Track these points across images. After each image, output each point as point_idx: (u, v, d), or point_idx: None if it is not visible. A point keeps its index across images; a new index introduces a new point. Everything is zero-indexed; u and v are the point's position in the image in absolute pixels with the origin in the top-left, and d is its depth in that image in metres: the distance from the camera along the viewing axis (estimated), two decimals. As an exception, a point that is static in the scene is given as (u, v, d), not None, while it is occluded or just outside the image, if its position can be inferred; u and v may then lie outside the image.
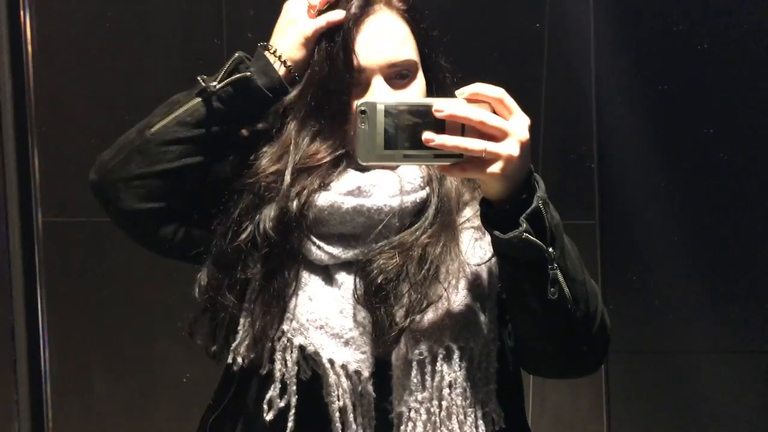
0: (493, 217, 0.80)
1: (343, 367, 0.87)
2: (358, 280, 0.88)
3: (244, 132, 0.95)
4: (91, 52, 1.74)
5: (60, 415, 1.83)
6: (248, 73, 0.90)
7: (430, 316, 0.87)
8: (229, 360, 0.91)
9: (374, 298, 0.87)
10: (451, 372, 0.86)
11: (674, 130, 1.65)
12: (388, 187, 0.90)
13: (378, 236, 0.89)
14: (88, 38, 1.74)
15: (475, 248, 0.90)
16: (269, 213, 0.90)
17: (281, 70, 0.92)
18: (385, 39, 0.90)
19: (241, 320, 0.90)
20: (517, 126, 0.77)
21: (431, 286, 0.87)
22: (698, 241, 1.66)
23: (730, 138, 1.63)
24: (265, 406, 0.88)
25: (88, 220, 1.77)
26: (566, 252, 0.83)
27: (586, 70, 1.66)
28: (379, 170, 0.91)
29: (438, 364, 0.86)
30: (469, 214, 0.92)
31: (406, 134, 0.78)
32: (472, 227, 0.91)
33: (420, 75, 0.92)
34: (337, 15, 0.92)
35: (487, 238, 0.88)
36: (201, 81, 0.91)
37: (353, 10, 0.90)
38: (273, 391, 0.88)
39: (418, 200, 0.90)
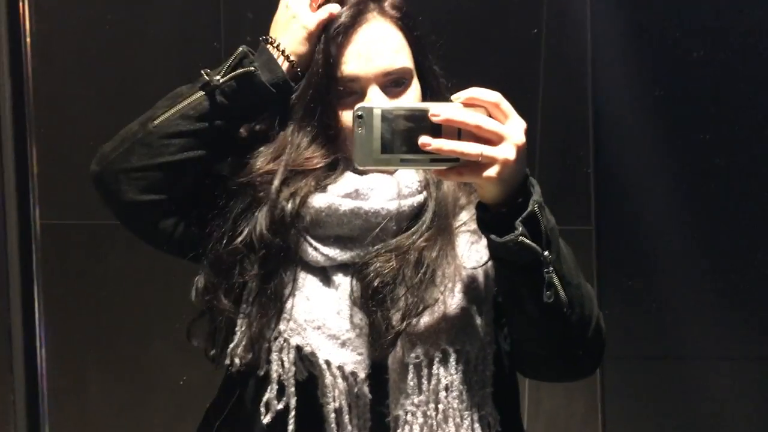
0: (489, 221, 0.81)
1: (340, 368, 0.87)
2: (354, 282, 0.89)
3: (243, 132, 0.96)
4: (90, 54, 1.74)
5: (56, 417, 1.83)
6: (252, 68, 0.90)
7: (426, 319, 0.87)
8: (227, 362, 0.91)
9: (371, 301, 0.88)
10: (448, 375, 0.87)
11: (671, 136, 1.65)
12: (386, 190, 0.90)
13: (375, 239, 0.89)
14: (87, 41, 1.74)
15: (471, 252, 0.90)
16: (264, 215, 0.90)
17: (284, 66, 0.92)
18: (379, 48, 0.90)
19: (239, 322, 0.90)
20: (513, 130, 0.78)
21: (427, 290, 0.87)
22: (695, 246, 1.66)
23: (726, 144, 1.64)
24: (263, 409, 0.88)
25: (85, 223, 1.78)
26: (562, 255, 0.83)
27: (583, 76, 1.67)
28: (377, 173, 0.91)
29: (434, 367, 0.87)
30: (466, 218, 0.92)
31: (403, 139, 0.78)
32: (468, 231, 0.91)
33: (415, 82, 0.93)
34: (338, 8, 0.92)
35: (483, 241, 0.89)
36: (205, 74, 0.91)
37: (345, 19, 0.90)
38: (270, 393, 0.88)
39: (415, 204, 0.91)
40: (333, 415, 0.87)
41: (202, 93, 0.91)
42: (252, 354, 0.89)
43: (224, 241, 0.92)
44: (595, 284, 1.68)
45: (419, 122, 0.78)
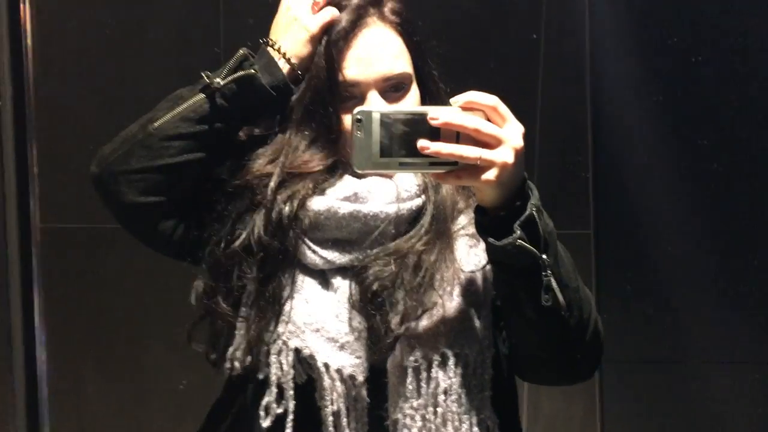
0: (488, 225, 0.81)
1: (338, 371, 0.87)
2: (353, 286, 0.89)
3: (242, 135, 0.96)
4: (91, 59, 1.75)
5: (56, 420, 1.83)
6: (252, 71, 0.90)
7: (425, 322, 0.87)
8: (227, 366, 0.91)
9: (369, 305, 0.88)
10: (447, 379, 0.87)
11: (670, 140, 1.66)
12: (385, 194, 0.91)
13: (373, 242, 0.89)
14: (88, 46, 1.75)
15: (470, 255, 0.91)
16: (262, 218, 0.90)
17: (285, 68, 0.92)
18: (379, 53, 0.90)
19: (238, 325, 0.91)
20: (511, 133, 0.78)
21: (426, 293, 0.87)
22: (693, 250, 1.67)
23: (725, 148, 1.64)
24: (262, 412, 0.88)
25: (85, 226, 1.78)
26: (560, 259, 0.83)
27: (582, 79, 1.67)
28: (376, 177, 0.91)
29: (433, 370, 0.87)
30: (464, 222, 0.92)
31: (402, 142, 0.79)
32: (466, 235, 0.91)
33: (414, 87, 0.93)
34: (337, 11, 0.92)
35: (482, 245, 0.89)
36: (205, 77, 0.91)
37: (346, 24, 0.90)
38: (269, 396, 0.88)
39: (414, 208, 0.91)
40: (331, 418, 0.87)
41: (202, 95, 0.91)
42: (251, 357, 0.89)
43: (222, 245, 0.92)
44: (593, 288, 1.69)
45: (418, 126, 0.78)
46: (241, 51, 0.92)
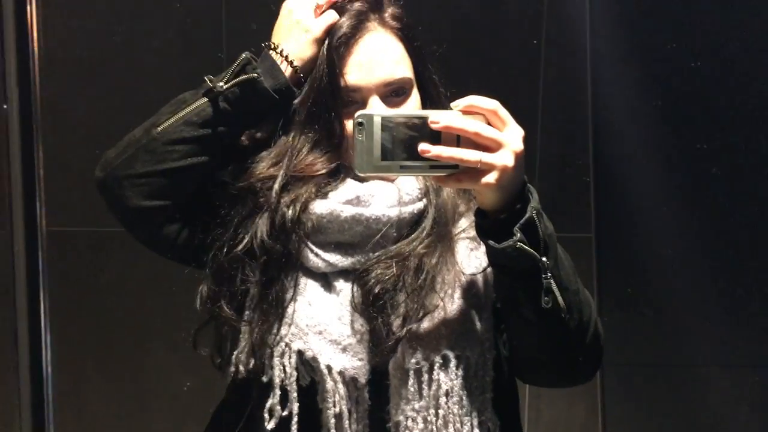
0: (488, 228, 0.81)
1: (341, 373, 0.88)
2: (355, 288, 0.89)
3: (245, 140, 0.96)
4: (96, 63, 1.76)
5: (60, 421, 1.84)
6: (255, 75, 0.91)
7: (426, 325, 0.88)
8: (232, 369, 0.91)
9: (371, 308, 0.88)
10: (448, 380, 0.87)
11: (670, 144, 1.66)
12: (387, 197, 0.91)
13: (375, 245, 0.90)
14: (93, 50, 1.75)
15: (471, 258, 0.91)
16: (265, 222, 0.91)
17: (288, 71, 0.93)
18: (380, 59, 0.91)
19: (242, 328, 0.91)
20: (511, 137, 0.79)
21: (428, 296, 0.88)
22: (694, 254, 1.67)
23: (725, 152, 1.65)
24: (266, 415, 0.88)
25: (91, 230, 1.79)
26: (560, 261, 0.84)
27: (583, 84, 1.68)
28: (377, 181, 0.92)
29: (435, 372, 0.87)
30: (465, 225, 0.93)
31: (403, 146, 0.79)
32: (467, 238, 0.92)
33: (415, 92, 0.94)
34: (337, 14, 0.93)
35: (483, 248, 0.89)
36: (208, 81, 0.92)
37: (347, 29, 0.91)
38: (273, 399, 0.88)
39: (415, 211, 0.92)
40: (333, 420, 0.88)
41: (205, 99, 0.92)
42: (255, 360, 0.90)
43: (225, 249, 0.92)
44: (594, 292, 1.69)
45: (419, 129, 0.79)
46: (243, 55, 0.93)
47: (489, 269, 0.90)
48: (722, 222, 1.66)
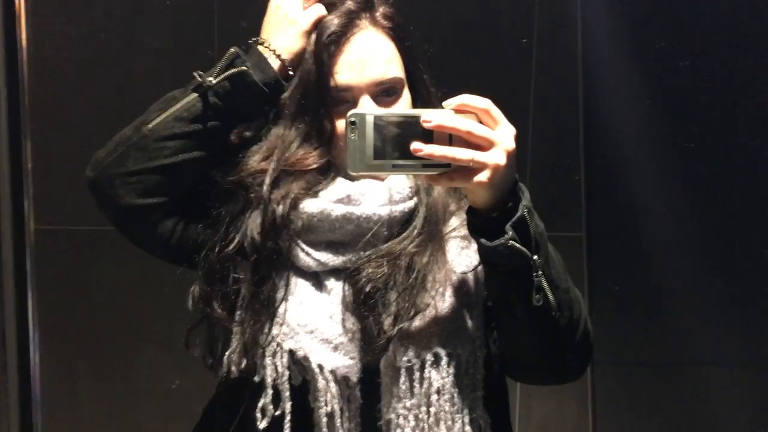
0: (480, 226, 0.82)
1: (332, 372, 0.88)
2: (347, 287, 0.89)
3: (234, 138, 0.96)
4: (85, 61, 1.75)
5: (49, 421, 1.83)
6: (244, 68, 0.91)
7: (417, 323, 0.88)
8: (224, 369, 0.91)
9: (363, 307, 0.88)
10: (439, 378, 0.87)
11: (661, 143, 1.67)
12: (378, 196, 0.91)
13: (366, 244, 0.90)
14: (82, 47, 1.74)
15: (462, 256, 0.91)
16: (255, 219, 0.91)
17: (276, 65, 0.93)
18: (371, 58, 0.91)
19: (234, 329, 0.91)
20: (503, 136, 0.79)
21: (418, 294, 0.88)
22: (685, 252, 1.68)
23: (718, 151, 1.65)
24: (258, 414, 0.88)
25: (80, 228, 1.78)
26: (550, 260, 0.84)
27: (574, 84, 1.69)
28: (368, 180, 0.92)
29: (426, 370, 0.87)
30: (456, 224, 0.93)
31: (395, 145, 0.80)
32: (458, 237, 0.92)
33: (406, 92, 0.94)
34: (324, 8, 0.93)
35: (473, 246, 0.90)
36: (197, 76, 0.92)
37: (338, 27, 0.91)
38: (265, 398, 0.88)
39: (406, 210, 0.92)
40: (325, 419, 0.88)
41: (195, 95, 0.92)
42: (247, 360, 0.90)
43: (217, 249, 0.92)
44: (585, 290, 1.70)
45: (411, 128, 0.79)
46: (231, 50, 0.93)
47: (480, 267, 0.90)
48: (714, 220, 1.67)
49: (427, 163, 0.79)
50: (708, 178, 1.66)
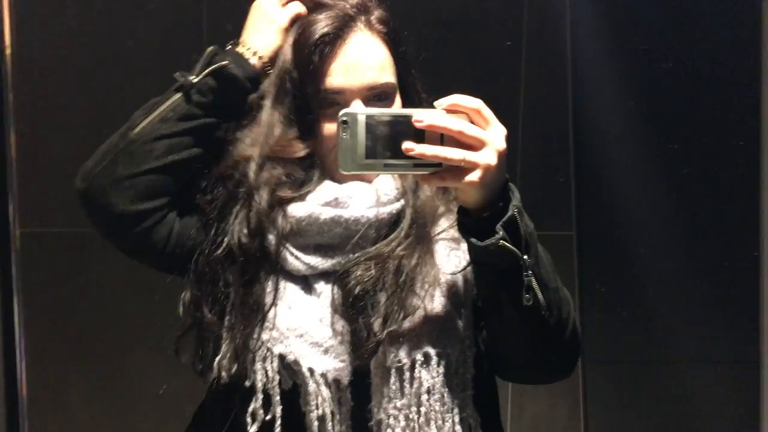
0: (470, 226, 0.82)
1: (323, 375, 0.88)
2: (336, 290, 0.89)
3: (222, 134, 0.95)
4: (71, 63, 1.73)
5: (36, 426, 1.81)
6: (225, 62, 0.91)
7: (407, 324, 0.88)
8: (214, 375, 0.91)
9: (352, 309, 0.88)
10: (430, 378, 0.88)
11: (650, 142, 1.68)
12: (365, 198, 0.91)
13: (355, 247, 0.90)
14: (68, 49, 1.73)
15: (451, 257, 0.92)
16: (242, 220, 0.90)
17: (254, 61, 0.93)
18: (366, 62, 0.91)
19: (223, 334, 0.90)
20: (494, 135, 0.79)
21: (408, 296, 0.88)
22: (675, 251, 1.69)
23: (706, 151, 1.67)
24: (249, 419, 0.88)
25: (65, 231, 1.76)
26: (540, 259, 0.85)
27: (564, 84, 1.70)
28: (355, 182, 0.92)
29: (416, 370, 0.88)
30: (444, 226, 0.93)
31: (387, 144, 0.79)
32: (447, 239, 0.92)
33: (397, 98, 0.94)
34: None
35: (462, 248, 0.90)
36: (179, 76, 0.92)
37: (332, 29, 0.90)
38: (255, 403, 0.88)
39: (394, 211, 0.92)
40: (316, 423, 0.87)
41: (179, 95, 0.92)
42: (237, 365, 0.89)
43: (206, 252, 0.92)
44: (576, 289, 1.71)
45: (403, 128, 0.79)
46: (210, 48, 0.93)
47: (469, 268, 0.90)
48: (702, 220, 1.68)
49: (419, 162, 0.79)
50: (696, 177, 1.68)
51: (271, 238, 0.90)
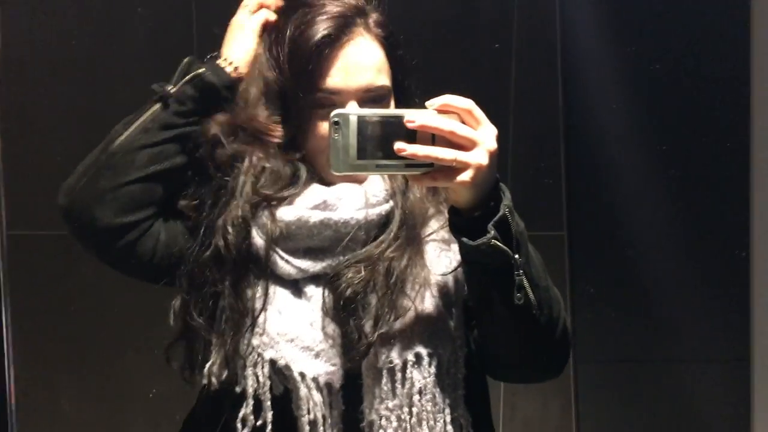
0: (461, 225, 0.82)
1: (314, 379, 0.88)
2: (327, 293, 0.89)
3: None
4: (58, 65, 1.72)
5: (26, 431, 1.80)
6: (201, 70, 0.92)
7: (399, 325, 0.88)
8: (204, 381, 0.90)
9: (343, 312, 0.88)
10: (421, 378, 0.88)
11: (641, 142, 1.69)
12: (354, 200, 0.91)
13: (345, 249, 0.90)
14: (56, 52, 1.72)
15: (441, 258, 0.92)
16: (228, 220, 0.90)
17: (230, 69, 0.94)
18: (364, 64, 0.91)
19: (213, 340, 0.90)
20: (485, 136, 0.80)
21: (398, 298, 0.88)
22: (666, 251, 1.70)
23: (695, 151, 1.69)
24: (239, 425, 0.88)
25: (55, 233, 1.74)
26: (531, 258, 0.85)
27: (555, 84, 1.70)
28: (344, 183, 0.92)
29: (408, 371, 0.88)
30: (435, 227, 0.93)
31: (379, 144, 0.79)
32: (437, 240, 0.92)
33: (392, 102, 0.94)
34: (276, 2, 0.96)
35: (453, 249, 0.90)
36: (157, 88, 0.93)
37: (331, 31, 0.91)
38: (246, 409, 0.87)
39: (383, 213, 0.92)
40: (308, 427, 0.87)
41: (158, 105, 0.92)
42: (228, 371, 0.89)
43: (195, 256, 0.91)
44: (567, 289, 1.71)
45: (394, 128, 0.79)
46: (186, 58, 0.94)
47: (459, 269, 0.90)
48: (693, 219, 1.69)
49: (411, 163, 0.79)
50: (685, 178, 1.69)
51: (260, 242, 0.90)
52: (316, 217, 0.89)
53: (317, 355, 0.88)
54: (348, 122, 0.79)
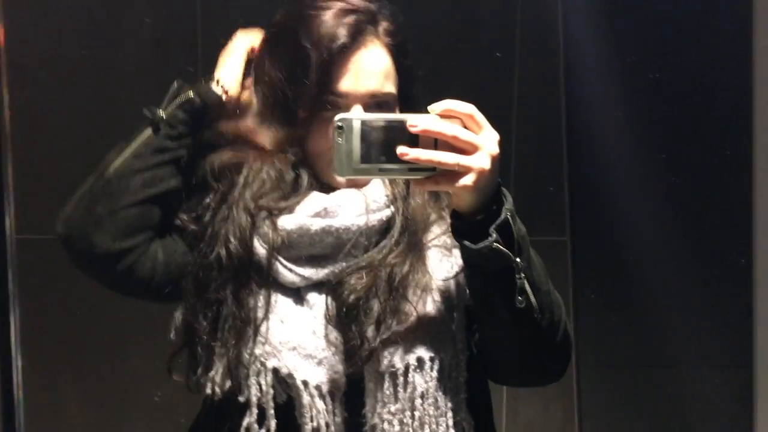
0: (463, 229, 0.83)
1: (317, 387, 0.88)
2: (329, 300, 0.90)
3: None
4: (66, 71, 1.73)
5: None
6: (191, 94, 0.94)
7: (401, 329, 0.88)
8: (208, 390, 0.91)
9: (345, 319, 0.89)
10: (423, 382, 0.88)
11: (643, 149, 1.70)
12: (354, 206, 0.91)
13: (347, 255, 0.90)
14: (63, 57, 1.73)
15: (443, 263, 0.92)
16: (230, 229, 0.91)
17: (219, 91, 0.95)
18: (372, 70, 0.92)
19: (216, 350, 0.91)
20: (487, 140, 0.80)
21: (400, 303, 0.89)
22: (669, 256, 1.70)
23: (696, 157, 1.69)
24: None
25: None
26: (532, 262, 0.85)
27: (557, 90, 1.71)
28: (343, 190, 0.93)
29: (410, 375, 0.88)
30: (437, 233, 0.94)
31: (382, 149, 0.80)
32: (439, 246, 0.93)
33: (397, 110, 0.95)
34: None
35: (454, 254, 0.91)
36: (147, 112, 0.94)
37: (344, 39, 0.91)
38: (250, 417, 0.88)
39: (384, 218, 0.92)
40: None
41: (149, 130, 0.93)
42: (231, 380, 0.89)
43: (196, 267, 0.92)
44: (570, 294, 1.71)
45: (397, 133, 0.80)
46: (175, 82, 0.95)
47: (461, 274, 0.91)
48: (695, 225, 1.70)
49: (413, 167, 0.80)
50: (688, 184, 1.69)
51: (262, 251, 0.90)
52: (317, 224, 0.90)
53: (320, 363, 0.88)
54: (351, 127, 0.80)
